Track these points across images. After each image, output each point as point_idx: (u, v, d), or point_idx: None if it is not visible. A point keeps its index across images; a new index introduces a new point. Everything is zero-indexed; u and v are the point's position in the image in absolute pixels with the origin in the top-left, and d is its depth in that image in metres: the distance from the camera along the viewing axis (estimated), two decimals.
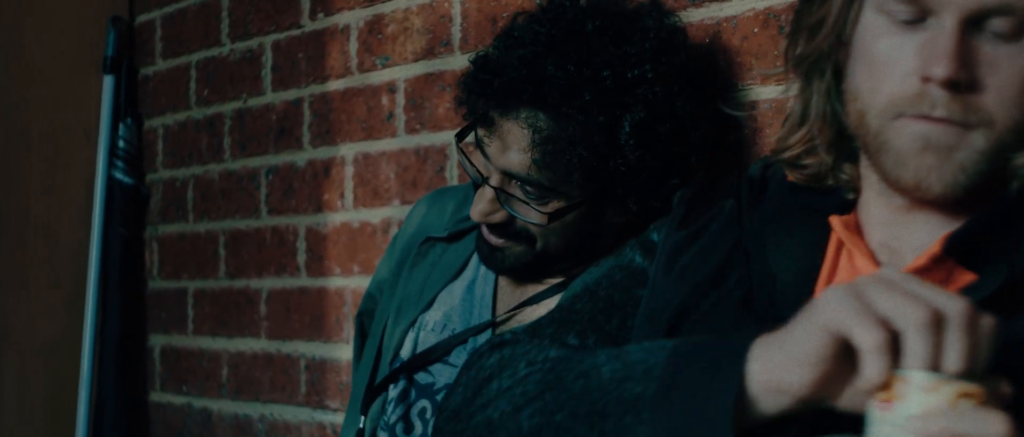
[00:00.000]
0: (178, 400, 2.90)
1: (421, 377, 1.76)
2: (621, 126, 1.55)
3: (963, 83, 1.05)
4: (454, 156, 2.17)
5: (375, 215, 2.35)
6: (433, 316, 1.79)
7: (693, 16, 1.78)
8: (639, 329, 1.23)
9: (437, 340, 1.76)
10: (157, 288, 3.00)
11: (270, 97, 2.61)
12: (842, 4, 1.13)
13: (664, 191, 1.57)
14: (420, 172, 2.24)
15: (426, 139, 2.23)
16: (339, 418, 2.41)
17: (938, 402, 0.90)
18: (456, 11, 2.18)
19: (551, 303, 1.64)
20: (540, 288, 1.72)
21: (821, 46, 1.16)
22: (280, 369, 2.58)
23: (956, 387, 0.90)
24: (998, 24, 1.05)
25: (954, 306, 0.91)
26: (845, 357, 0.94)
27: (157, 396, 2.98)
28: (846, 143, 1.18)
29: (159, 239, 2.99)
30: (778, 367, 0.97)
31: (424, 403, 1.75)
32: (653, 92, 1.56)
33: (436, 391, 1.74)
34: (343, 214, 2.42)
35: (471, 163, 1.66)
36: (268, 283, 2.62)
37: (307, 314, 2.51)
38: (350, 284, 2.40)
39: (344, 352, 2.41)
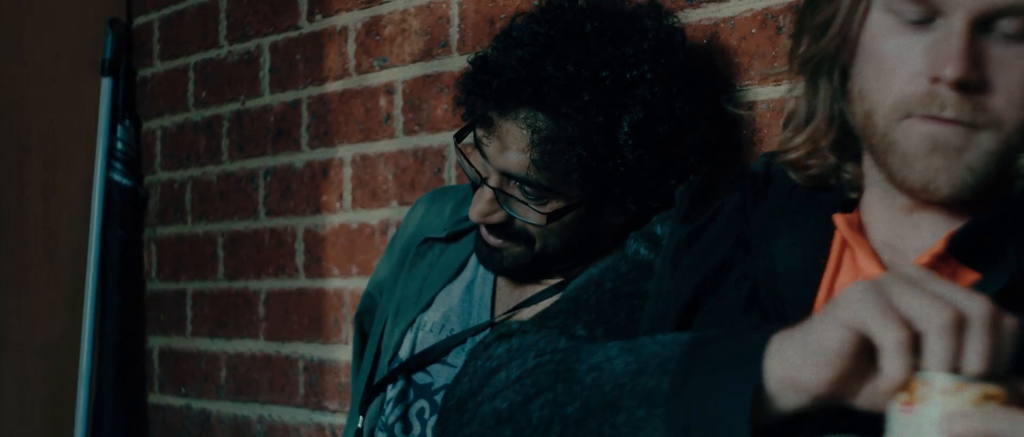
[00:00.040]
0: (177, 401, 2.90)
1: (419, 377, 1.76)
2: (620, 126, 1.56)
3: (973, 84, 1.04)
4: (452, 157, 2.17)
5: (373, 216, 2.35)
6: (432, 316, 1.79)
7: (690, 17, 1.78)
8: (646, 326, 1.22)
9: (435, 340, 1.76)
10: (156, 289, 3.00)
11: (268, 99, 2.62)
12: (850, 4, 1.12)
13: (662, 191, 1.57)
14: (418, 173, 2.25)
15: (424, 140, 2.24)
16: (338, 419, 2.41)
17: (961, 404, 0.89)
18: (454, 12, 2.19)
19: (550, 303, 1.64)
20: (539, 289, 1.72)
21: (828, 47, 1.15)
22: (279, 370, 2.58)
23: (979, 389, 0.89)
24: (1007, 25, 1.04)
25: (977, 307, 0.90)
26: (864, 355, 0.93)
27: (156, 397, 2.98)
28: (850, 143, 1.18)
29: (157, 241, 2.99)
30: (796, 363, 0.95)
31: (422, 403, 1.75)
32: (652, 92, 1.56)
33: (434, 391, 1.75)
34: (341, 215, 2.42)
35: (470, 163, 1.66)
36: (266, 284, 2.62)
37: (306, 315, 2.51)
38: (348, 285, 2.40)
39: (343, 353, 2.41)
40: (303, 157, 2.52)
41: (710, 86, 1.72)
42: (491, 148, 1.62)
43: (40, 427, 2.99)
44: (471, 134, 1.67)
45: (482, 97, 1.62)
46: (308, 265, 2.51)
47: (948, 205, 1.11)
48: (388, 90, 2.31)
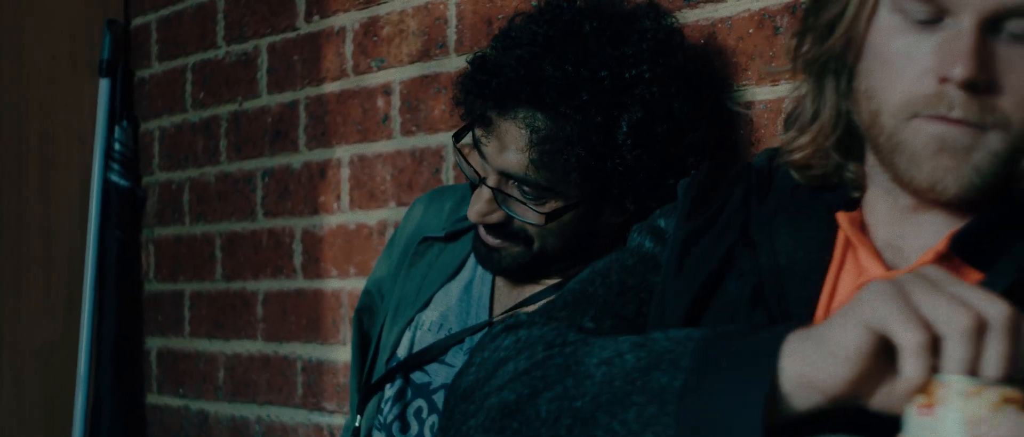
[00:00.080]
0: (175, 402, 2.90)
1: (417, 377, 1.76)
2: (618, 126, 1.56)
3: (981, 84, 1.04)
4: (450, 158, 2.17)
5: (371, 217, 2.35)
6: (430, 316, 1.79)
7: (688, 17, 1.78)
8: (654, 322, 1.21)
9: (434, 340, 1.76)
10: (153, 290, 3.00)
11: (266, 99, 2.62)
12: (857, 3, 1.12)
13: (661, 191, 1.57)
14: (416, 174, 2.25)
15: (422, 141, 2.24)
16: (336, 419, 2.42)
17: (980, 408, 0.88)
18: (451, 13, 2.19)
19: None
20: (537, 288, 1.72)
21: (834, 46, 1.15)
22: (277, 371, 2.58)
23: (998, 392, 0.89)
24: (1015, 25, 1.04)
25: (997, 311, 0.89)
26: (882, 356, 0.92)
27: (154, 398, 2.98)
28: (855, 143, 1.18)
29: (155, 241, 2.99)
30: (813, 363, 0.94)
31: (420, 402, 1.75)
32: (650, 92, 1.56)
33: (432, 391, 1.75)
34: (339, 216, 2.42)
35: (468, 163, 1.66)
36: (264, 285, 2.62)
37: (304, 316, 2.51)
38: (346, 286, 2.40)
39: (341, 354, 2.41)
40: (301, 158, 2.52)
41: (708, 86, 1.72)
42: (490, 148, 1.62)
43: (38, 428, 2.99)
44: (470, 134, 1.67)
45: (481, 97, 1.62)
46: (306, 266, 2.51)
47: (951, 205, 1.11)
48: (386, 91, 2.31)
